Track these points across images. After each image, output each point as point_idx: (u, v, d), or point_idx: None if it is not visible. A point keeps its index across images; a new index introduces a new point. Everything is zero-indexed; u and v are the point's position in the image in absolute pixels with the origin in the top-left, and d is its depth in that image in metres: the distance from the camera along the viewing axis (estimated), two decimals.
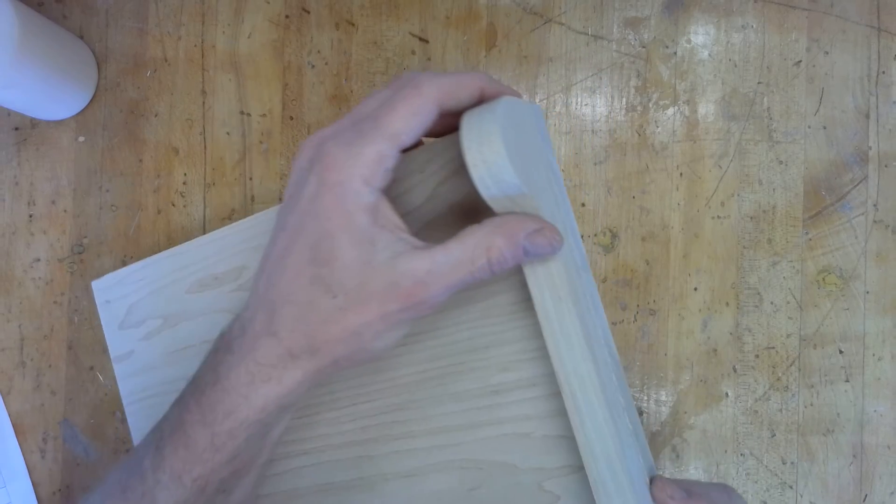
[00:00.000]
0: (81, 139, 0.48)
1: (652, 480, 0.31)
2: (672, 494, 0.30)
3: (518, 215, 0.28)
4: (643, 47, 0.46)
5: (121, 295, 0.41)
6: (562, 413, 0.30)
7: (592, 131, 0.46)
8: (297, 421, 0.35)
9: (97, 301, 0.42)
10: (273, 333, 0.28)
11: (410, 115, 0.27)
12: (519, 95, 0.30)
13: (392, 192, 0.31)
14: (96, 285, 0.42)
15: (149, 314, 0.40)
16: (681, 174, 0.46)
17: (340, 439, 0.34)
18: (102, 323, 0.41)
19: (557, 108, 0.46)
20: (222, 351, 0.29)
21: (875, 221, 0.45)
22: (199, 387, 0.29)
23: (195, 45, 0.47)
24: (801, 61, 0.46)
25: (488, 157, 0.26)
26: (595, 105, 0.46)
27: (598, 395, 0.28)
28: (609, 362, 0.30)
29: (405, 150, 0.28)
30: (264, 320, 0.28)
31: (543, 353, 0.30)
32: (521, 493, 0.31)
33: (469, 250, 0.27)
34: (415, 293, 0.27)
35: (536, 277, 0.29)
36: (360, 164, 0.27)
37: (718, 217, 0.45)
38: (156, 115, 0.47)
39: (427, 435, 0.33)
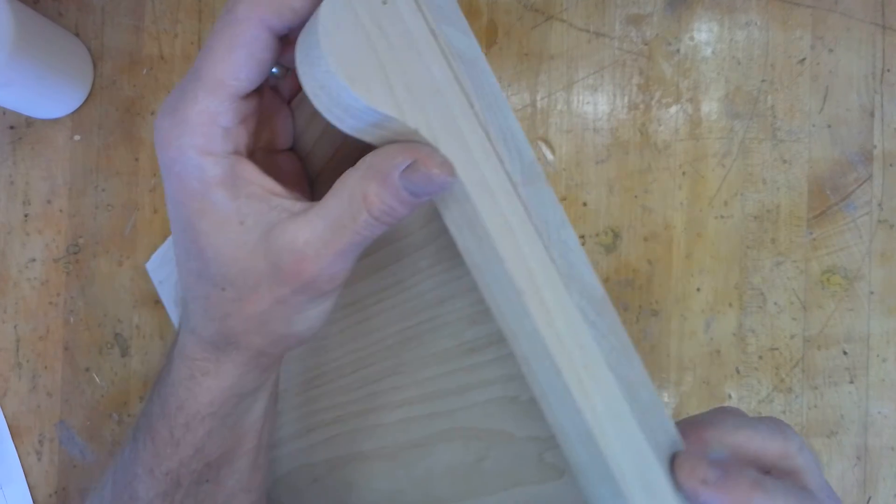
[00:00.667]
0: (77, 138, 0.47)
1: (675, 460, 0.22)
2: (705, 478, 0.22)
3: (390, 148, 0.22)
4: (646, 45, 0.45)
5: (171, 272, 0.41)
6: None
7: (594, 130, 0.45)
8: (315, 391, 0.34)
9: (154, 282, 0.42)
10: (192, 330, 0.26)
11: (230, 52, 0.22)
12: None
13: (282, 141, 0.27)
14: (149, 266, 0.42)
15: None
16: (683, 173, 0.45)
17: (355, 407, 0.33)
18: (164, 302, 0.42)
19: (559, 107, 0.46)
20: (173, 343, 0.28)
21: (880, 221, 0.45)
22: (160, 379, 0.28)
23: (192, 43, 0.47)
24: (805, 59, 0.45)
25: (322, 80, 0.21)
26: (597, 103, 0.46)
27: (576, 352, 0.22)
28: (587, 309, 0.23)
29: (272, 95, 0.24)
30: (184, 317, 0.26)
31: None
32: (523, 465, 0.28)
33: (345, 205, 0.22)
34: (301, 271, 0.23)
35: (450, 214, 0.23)
36: (189, 132, 0.22)
37: (721, 217, 0.45)
38: (152, 114, 0.47)
39: (423, 401, 0.30)
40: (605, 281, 0.45)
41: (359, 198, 0.22)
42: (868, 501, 0.44)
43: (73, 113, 0.47)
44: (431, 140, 0.21)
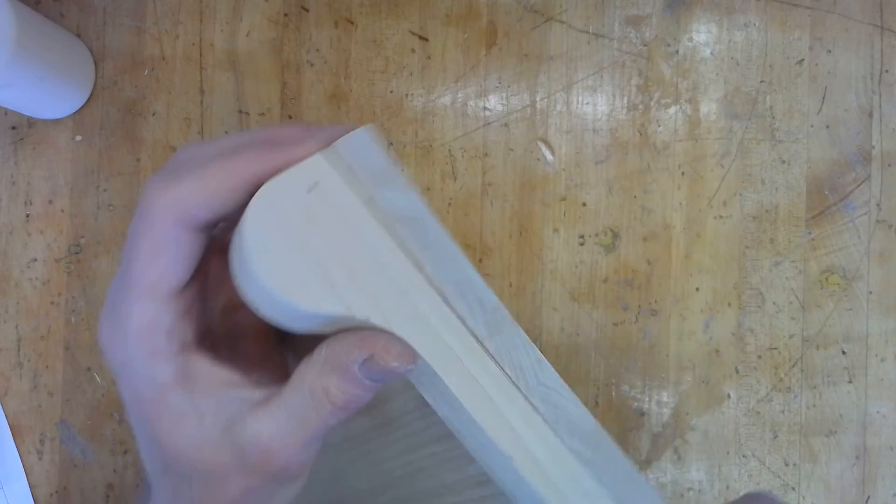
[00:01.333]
0: (79, 138, 0.47)
1: None
2: None
3: (345, 341, 0.21)
4: (645, 46, 0.46)
5: None
6: None
7: (594, 130, 0.46)
8: None
9: None
10: None
11: (155, 257, 0.21)
12: (335, 135, 0.22)
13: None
14: None
15: None
16: (683, 173, 0.45)
17: None
18: None
19: (558, 107, 0.46)
20: None
21: (878, 221, 0.45)
22: None
23: (193, 44, 0.47)
24: (803, 60, 0.45)
25: (260, 296, 0.20)
26: (596, 104, 0.46)
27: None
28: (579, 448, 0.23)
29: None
30: (153, 499, 0.25)
31: None
32: None
33: (307, 399, 0.21)
34: (269, 463, 0.22)
35: (420, 385, 0.23)
36: (131, 341, 0.21)
37: (720, 217, 0.45)
38: (154, 114, 0.47)
39: None
40: (605, 281, 0.45)
41: (320, 392, 0.21)
42: (867, 501, 0.44)
43: (75, 113, 0.47)
44: (385, 326, 0.21)
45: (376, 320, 0.21)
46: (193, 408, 0.22)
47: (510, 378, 0.22)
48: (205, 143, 0.23)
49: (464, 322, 0.22)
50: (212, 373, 0.22)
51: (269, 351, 0.27)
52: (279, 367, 0.27)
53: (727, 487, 0.45)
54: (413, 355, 0.21)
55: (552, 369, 0.23)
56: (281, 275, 0.20)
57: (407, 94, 0.46)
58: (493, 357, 0.22)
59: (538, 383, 0.22)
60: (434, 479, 0.28)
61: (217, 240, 0.24)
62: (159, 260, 0.21)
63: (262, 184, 0.21)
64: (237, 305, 0.26)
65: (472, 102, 0.46)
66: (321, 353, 0.22)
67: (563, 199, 0.46)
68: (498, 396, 0.21)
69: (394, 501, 0.30)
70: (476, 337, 0.22)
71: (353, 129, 0.22)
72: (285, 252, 0.20)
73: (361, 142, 0.22)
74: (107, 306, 0.22)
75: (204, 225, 0.22)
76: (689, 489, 0.45)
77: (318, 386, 0.21)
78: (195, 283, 0.23)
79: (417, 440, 0.27)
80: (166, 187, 0.21)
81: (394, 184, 0.22)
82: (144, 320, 0.21)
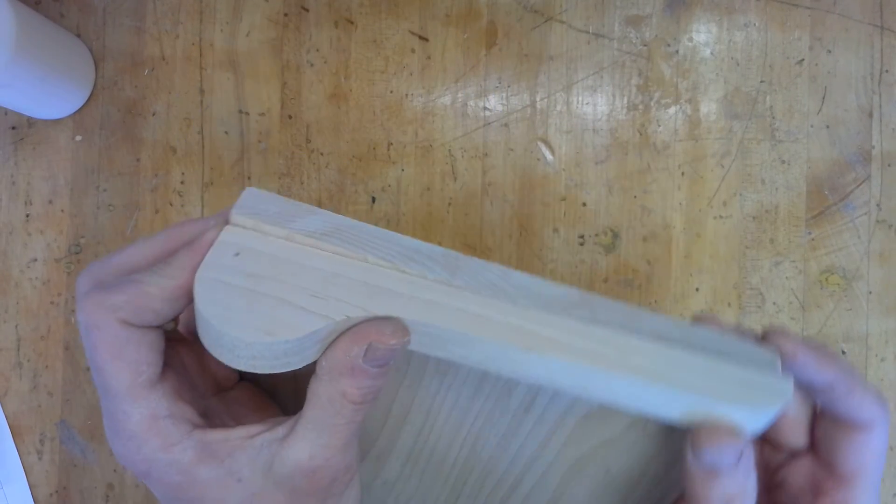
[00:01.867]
0: (79, 138, 0.47)
1: (764, 337, 0.25)
2: (796, 340, 0.25)
3: (339, 343, 0.23)
4: (645, 46, 0.46)
5: None
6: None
7: (594, 130, 0.46)
8: None
9: None
10: None
11: (117, 361, 0.22)
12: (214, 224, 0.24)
13: (224, 379, 0.27)
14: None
15: None
16: (682, 173, 0.45)
17: None
18: None
19: (558, 107, 0.46)
20: None
21: (878, 221, 0.45)
22: None
23: (193, 44, 0.47)
24: (803, 60, 0.45)
25: (250, 356, 0.22)
26: (596, 104, 0.46)
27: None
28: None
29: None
30: None
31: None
32: (637, 446, 0.28)
33: (327, 408, 0.23)
34: (318, 481, 0.23)
35: (424, 346, 0.24)
36: (143, 444, 0.22)
37: (720, 217, 0.45)
38: (153, 114, 0.47)
39: (527, 473, 0.30)
40: (605, 281, 0.45)
41: (338, 397, 0.23)
42: None
43: (75, 113, 0.47)
44: (364, 314, 0.23)
45: (355, 314, 0.23)
46: (228, 471, 0.23)
47: (490, 295, 0.24)
48: (115, 258, 0.24)
49: (426, 277, 0.24)
50: (230, 434, 0.23)
51: (268, 401, 0.28)
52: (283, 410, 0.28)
53: None
54: (403, 327, 0.23)
55: (519, 273, 0.25)
56: (257, 327, 0.22)
57: (407, 94, 0.46)
58: (466, 289, 0.24)
59: (514, 288, 0.24)
60: (492, 438, 0.29)
61: (177, 334, 0.25)
62: (123, 362, 0.22)
63: (191, 279, 0.23)
64: (228, 387, 0.27)
65: (472, 102, 0.46)
66: (323, 365, 0.23)
67: (563, 199, 0.45)
68: (489, 312, 0.23)
69: (474, 485, 0.31)
70: (443, 282, 0.24)
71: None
72: (249, 310, 0.22)
73: (251, 199, 0.24)
74: (105, 421, 0.23)
75: (151, 323, 0.23)
76: None
77: (333, 393, 0.23)
78: (173, 372, 0.24)
79: (458, 412, 0.28)
80: (103, 299, 0.22)
81: (300, 214, 0.24)
82: (144, 417, 0.22)
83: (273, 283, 0.22)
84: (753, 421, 0.24)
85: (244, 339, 0.21)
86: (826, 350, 0.25)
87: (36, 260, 0.47)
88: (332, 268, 0.23)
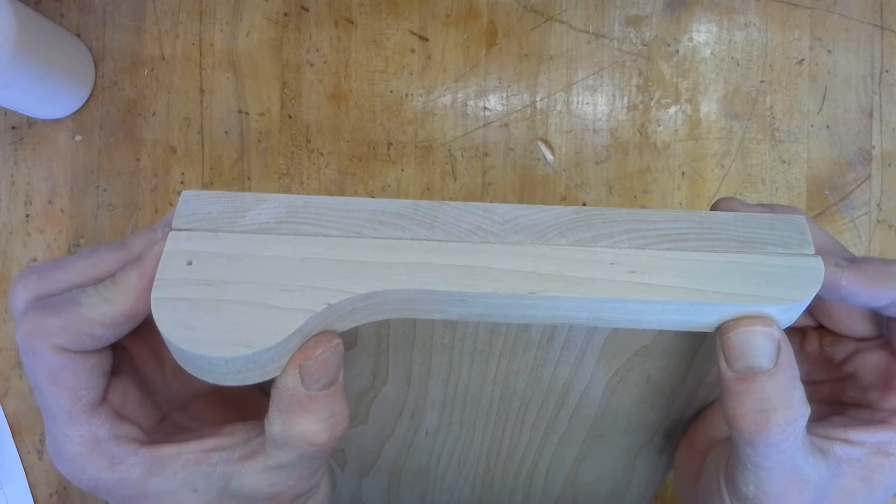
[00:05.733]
0: (78, 138, 0.47)
1: None
2: (838, 263, 0.22)
3: (278, 383, 0.21)
4: (645, 45, 0.46)
5: None
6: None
7: (594, 130, 0.46)
8: (498, 470, 0.33)
9: None
10: None
11: (56, 386, 0.21)
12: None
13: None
14: None
15: None
16: (683, 173, 0.45)
17: (537, 445, 0.32)
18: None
19: (558, 107, 0.46)
20: None
21: (878, 221, 0.45)
22: None
23: (193, 44, 0.47)
24: (803, 60, 0.45)
25: (227, 371, 0.20)
26: (596, 104, 0.46)
27: None
28: None
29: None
30: None
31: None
32: (676, 349, 0.26)
33: (292, 453, 0.21)
34: (278, 501, 0.22)
35: (428, 311, 0.23)
36: (88, 464, 0.21)
37: None
38: (153, 114, 0.47)
39: (570, 393, 0.28)
40: None
41: (298, 441, 0.21)
42: None
43: (75, 113, 0.47)
44: (345, 296, 0.20)
45: (336, 299, 0.20)
46: (183, 483, 0.22)
47: (477, 240, 0.22)
48: (60, 269, 0.22)
49: (400, 238, 0.22)
50: (183, 450, 0.22)
51: (225, 402, 0.27)
52: (246, 407, 0.27)
53: None
54: (328, 334, 0.21)
55: (504, 206, 0.23)
56: (233, 341, 0.20)
57: (407, 94, 0.46)
58: (449, 240, 0.22)
59: (500, 225, 0.22)
60: (521, 370, 0.27)
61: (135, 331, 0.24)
62: (60, 388, 0.21)
63: (136, 303, 0.21)
64: (183, 376, 0.26)
65: (472, 102, 0.46)
66: (274, 405, 0.21)
67: (564, 199, 0.45)
68: (480, 262, 0.21)
69: (516, 419, 0.30)
70: (421, 239, 0.22)
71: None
72: (219, 324, 0.20)
73: (190, 204, 0.22)
74: (48, 439, 0.22)
75: (88, 348, 0.21)
76: None
77: (293, 434, 0.21)
78: (119, 382, 0.23)
79: (485, 354, 0.26)
80: (39, 322, 0.20)
81: (247, 206, 0.22)
82: (85, 440, 0.21)
83: (237, 286, 0.20)
84: (784, 312, 0.21)
85: (222, 357, 0.20)
86: (871, 266, 0.22)
87: (36, 260, 0.47)
88: (296, 253, 0.21)
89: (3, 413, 0.47)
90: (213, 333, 0.20)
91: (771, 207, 0.24)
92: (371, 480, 0.35)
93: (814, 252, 0.21)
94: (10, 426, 0.47)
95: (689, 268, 0.21)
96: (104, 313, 0.21)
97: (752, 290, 0.21)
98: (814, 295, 0.21)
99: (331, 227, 0.22)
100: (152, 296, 0.20)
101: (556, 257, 0.21)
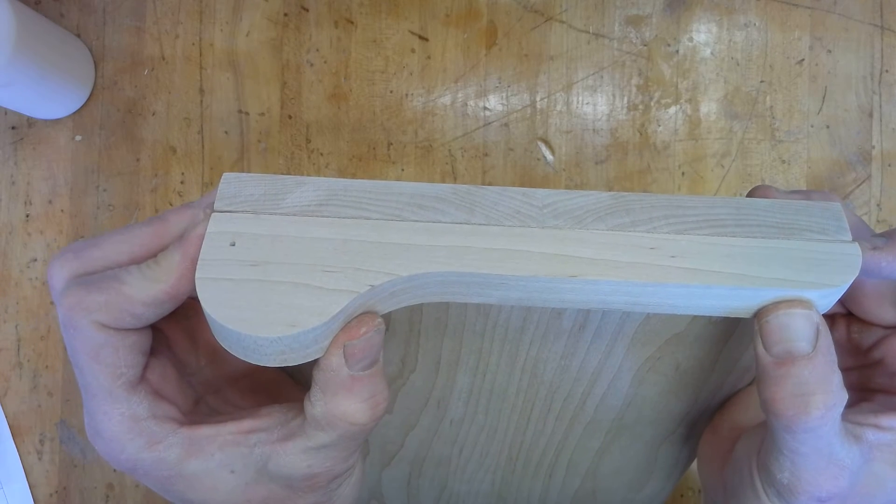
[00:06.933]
0: (78, 138, 0.47)
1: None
2: (875, 245, 0.22)
3: (322, 362, 0.21)
4: (645, 46, 0.46)
5: None
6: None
7: (594, 130, 0.46)
8: (521, 457, 0.33)
9: None
10: None
11: (96, 363, 0.21)
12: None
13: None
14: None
15: None
16: (683, 173, 0.45)
17: (561, 437, 0.32)
18: None
19: (558, 107, 0.46)
20: None
21: (879, 221, 0.45)
22: None
23: (193, 44, 0.47)
24: (803, 60, 0.45)
25: (277, 350, 0.20)
26: (596, 104, 0.46)
27: None
28: None
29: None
30: None
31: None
32: (708, 340, 0.26)
33: (333, 434, 0.21)
34: (319, 481, 0.22)
35: (467, 295, 0.23)
36: (126, 444, 0.21)
37: None
38: (153, 114, 0.47)
39: (599, 378, 0.28)
40: None
41: (340, 421, 0.21)
42: None
43: (75, 113, 0.47)
44: (388, 278, 0.21)
45: (378, 280, 0.21)
46: (220, 464, 0.22)
47: (517, 223, 0.22)
48: (99, 245, 0.22)
49: (440, 221, 0.22)
50: (221, 431, 0.22)
51: (256, 388, 0.27)
52: (278, 394, 0.27)
53: None
54: (371, 313, 0.21)
55: (540, 191, 0.23)
56: (278, 321, 0.20)
57: (407, 94, 0.46)
58: (488, 224, 0.22)
59: (539, 210, 0.22)
60: (550, 358, 0.27)
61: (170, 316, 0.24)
62: (101, 365, 0.21)
63: (179, 282, 0.21)
64: (217, 360, 0.26)
65: (472, 102, 0.46)
66: (316, 386, 0.21)
67: None
68: (520, 245, 0.21)
69: (541, 408, 0.30)
70: (461, 222, 0.22)
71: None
72: (264, 304, 0.20)
73: (232, 186, 0.22)
74: (87, 419, 0.22)
75: (128, 326, 0.21)
76: None
77: (335, 414, 0.21)
78: (157, 362, 0.23)
79: (517, 343, 0.26)
80: (81, 299, 0.20)
81: (288, 189, 0.22)
82: (125, 418, 0.21)
83: (280, 266, 0.21)
84: (823, 298, 0.21)
85: (268, 337, 0.20)
86: None
87: (36, 260, 0.47)
88: (338, 234, 0.21)
89: (3, 413, 0.47)
90: (258, 314, 0.20)
91: (806, 194, 0.24)
92: (392, 471, 0.35)
93: (851, 239, 0.21)
94: (10, 426, 0.47)
95: (728, 253, 0.21)
96: (146, 292, 0.21)
97: (792, 275, 0.21)
98: (852, 280, 0.21)
99: (371, 210, 0.22)
100: (197, 276, 0.20)
101: (595, 241, 0.22)
